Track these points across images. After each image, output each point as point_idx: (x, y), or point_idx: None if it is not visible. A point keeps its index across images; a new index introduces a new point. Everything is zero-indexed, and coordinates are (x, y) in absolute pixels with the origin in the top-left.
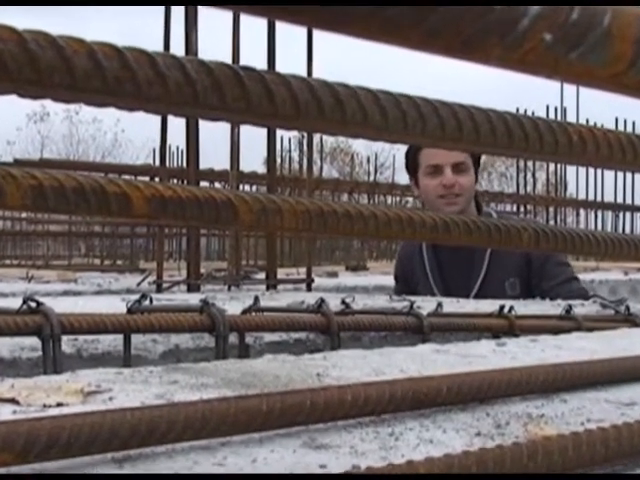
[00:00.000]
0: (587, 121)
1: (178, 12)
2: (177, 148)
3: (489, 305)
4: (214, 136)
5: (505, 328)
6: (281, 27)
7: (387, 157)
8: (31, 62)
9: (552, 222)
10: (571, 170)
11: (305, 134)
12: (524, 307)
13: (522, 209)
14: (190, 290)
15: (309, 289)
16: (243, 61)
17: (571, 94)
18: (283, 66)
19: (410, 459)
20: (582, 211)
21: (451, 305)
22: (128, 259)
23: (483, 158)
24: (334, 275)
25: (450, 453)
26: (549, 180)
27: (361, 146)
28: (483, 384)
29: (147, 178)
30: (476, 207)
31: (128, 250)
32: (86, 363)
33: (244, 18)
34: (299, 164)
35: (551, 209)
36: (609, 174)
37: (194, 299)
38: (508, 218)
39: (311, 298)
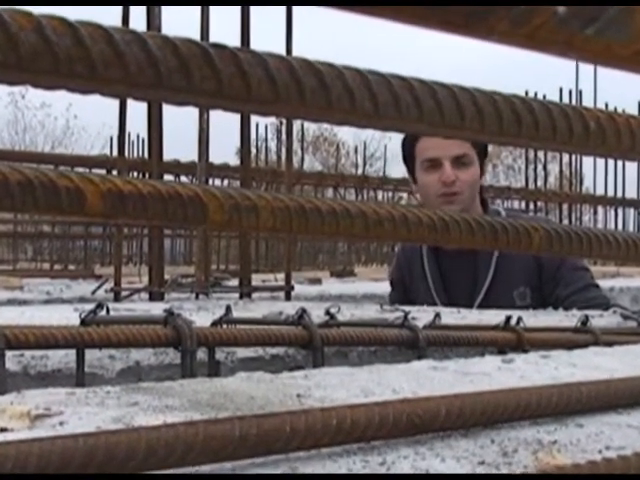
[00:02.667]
0: (606, 106)
1: None
2: (137, 136)
3: (494, 316)
4: (180, 123)
5: (512, 342)
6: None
7: (377, 147)
8: None
9: (566, 221)
10: (588, 162)
11: (284, 120)
12: (534, 318)
13: (532, 206)
14: (152, 299)
15: (288, 298)
16: (213, 38)
17: (588, 75)
18: (258, 43)
19: None
20: (600, 209)
21: (451, 316)
22: (82, 263)
23: (489, 148)
24: (317, 282)
25: None
26: (563, 173)
27: (348, 134)
28: (487, 406)
29: (103, 171)
30: (481, 204)
31: (82, 253)
32: (33, 382)
33: None
34: (277, 155)
35: (565, 206)
36: (631, 166)
37: (157, 309)
38: (518, 217)
39: (291, 308)
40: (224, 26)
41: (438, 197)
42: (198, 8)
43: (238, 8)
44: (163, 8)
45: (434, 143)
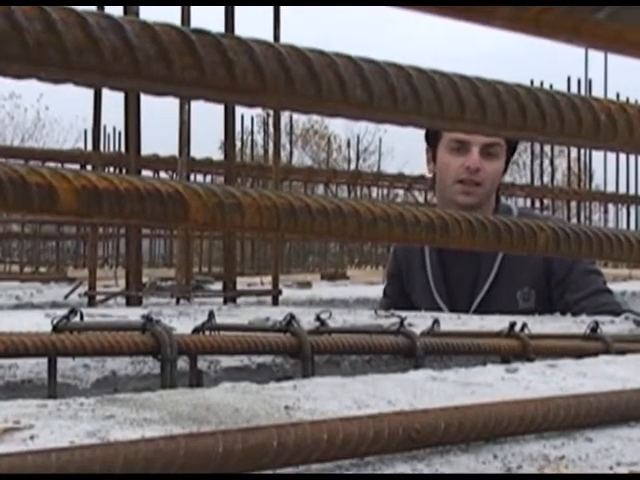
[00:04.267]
0: (617, 96)
1: None
2: (114, 129)
3: (497, 322)
4: (159, 115)
5: (517, 350)
6: None
7: (372, 140)
8: None
9: (574, 220)
10: (598, 156)
11: (271, 112)
12: (540, 324)
13: (538, 204)
14: (130, 304)
15: (276, 303)
16: (195, 23)
17: (598, 63)
18: (244, 29)
19: None
20: (611, 207)
21: (450, 322)
22: (54, 266)
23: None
24: (307, 285)
25: None
26: (571, 169)
27: (340, 127)
28: (489, 419)
29: (77, 166)
30: (495, 202)
31: (54, 255)
32: (2, 393)
33: None
34: (264, 149)
35: (573, 204)
36: None
37: (135, 315)
38: (530, 216)
39: (278, 314)
40: (206, 11)
41: (456, 183)
42: None
43: None
44: None
45: None
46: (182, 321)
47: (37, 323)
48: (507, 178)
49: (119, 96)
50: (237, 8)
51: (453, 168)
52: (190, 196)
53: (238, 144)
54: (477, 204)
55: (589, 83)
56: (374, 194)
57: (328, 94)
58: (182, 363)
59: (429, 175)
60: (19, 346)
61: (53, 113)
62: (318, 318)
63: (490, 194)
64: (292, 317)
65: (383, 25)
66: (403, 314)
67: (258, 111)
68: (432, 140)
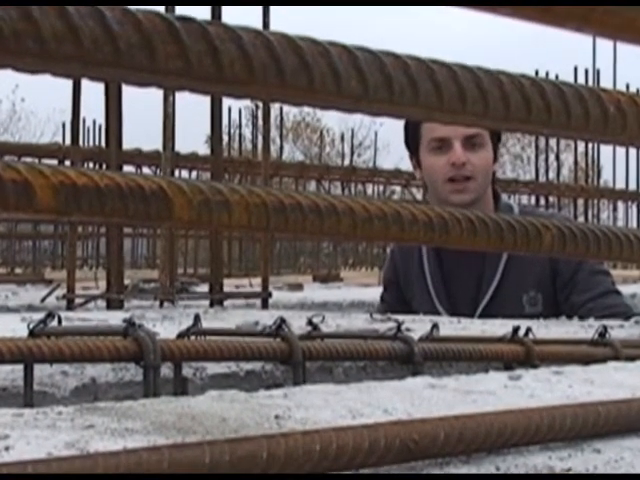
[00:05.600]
0: (627, 87)
1: None
2: (94, 122)
3: (499, 326)
4: (142, 107)
5: (520, 356)
6: None
7: (367, 134)
8: None
9: (582, 218)
10: (606, 151)
11: (260, 104)
12: (545, 329)
13: (542, 201)
14: (111, 307)
15: (265, 306)
16: (180, 10)
17: (606, 52)
18: (232, 17)
19: None
20: (621, 204)
21: (450, 326)
22: (30, 267)
23: None
24: (298, 288)
25: None
26: (578, 164)
27: (333, 120)
28: (492, 429)
29: (55, 161)
30: (493, 196)
31: (30, 255)
32: None
33: None
34: (252, 143)
35: (580, 202)
36: None
37: (116, 319)
38: (533, 214)
39: (268, 318)
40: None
41: (446, 182)
42: None
43: None
44: None
45: None
46: (166, 325)
47: (13, 328)
48: (510, 174)
49: (99, 87)
50: None
51: (439, 167)
52: (174, 193)
53: (225, 138)
54: (472, 201)
55: (597, 74)
56: (369, 191)
57: (321, 85)
58: (166, 370)
59: (419, 178)
60: None
61: (29, 105)
62: (310, 322)
63: (484, 187)
64: (282, 321)
65: (379, 24)
66: (400, 318)
67: (246, 103)
68: (412, 145)
